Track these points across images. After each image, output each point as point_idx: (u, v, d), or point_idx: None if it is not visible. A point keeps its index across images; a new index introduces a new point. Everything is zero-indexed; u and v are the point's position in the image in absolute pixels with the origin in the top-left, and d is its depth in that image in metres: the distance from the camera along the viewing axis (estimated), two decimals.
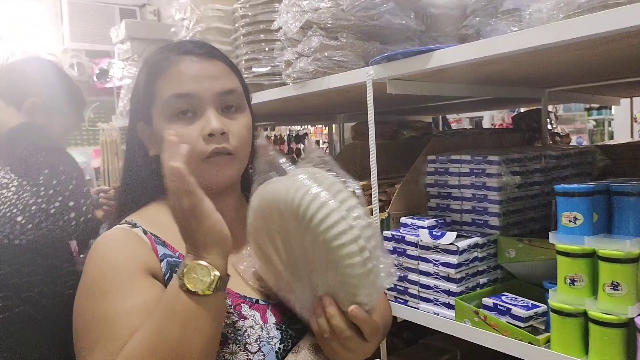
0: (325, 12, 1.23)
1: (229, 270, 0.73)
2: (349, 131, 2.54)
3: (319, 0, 1.24)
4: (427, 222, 1.18)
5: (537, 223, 1.26)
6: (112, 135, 3.05)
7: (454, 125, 3.88)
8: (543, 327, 1.01)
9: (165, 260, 0.80)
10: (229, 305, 0.79)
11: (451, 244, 1.11)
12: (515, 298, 1.06)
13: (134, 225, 0.83)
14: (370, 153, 1.20)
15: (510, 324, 1.00)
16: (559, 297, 0.92)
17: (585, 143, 5.87)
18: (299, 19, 1.27)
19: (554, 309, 0.93)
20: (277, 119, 2.60)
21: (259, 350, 0.79)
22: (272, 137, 3.19)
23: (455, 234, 1.12)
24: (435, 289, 1.15)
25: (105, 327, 0.72)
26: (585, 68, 1.25)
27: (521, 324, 0.99)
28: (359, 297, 0.74)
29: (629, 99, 2.35)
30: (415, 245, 1.19)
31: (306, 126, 3.32)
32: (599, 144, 2.00)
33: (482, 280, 1.16)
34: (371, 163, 1.20)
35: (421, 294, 1.19)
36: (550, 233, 0.95)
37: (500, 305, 1.04)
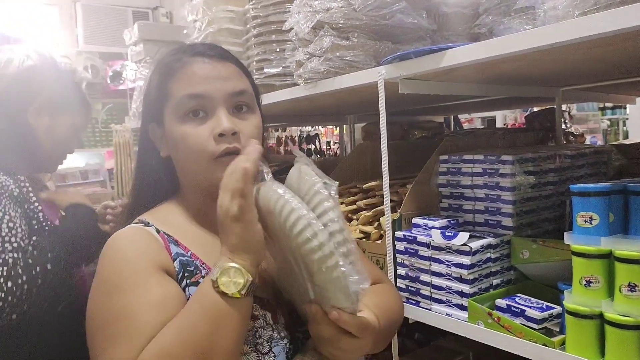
0: (336, 12, 1.23)
1: None
2: (359, 132, 2.54)
3: (330, 0, 1.24)
4: (439, 223, 1.17)
5: (550, 223, 1.24)
6: (125, 137, 3.08)
7: (466, 125, 3.86)
8: (558, 329, 1.00)
9: (178, 260, 0.81)
10: None
11: (464, 244, 1.10)
12: (529, 299, 1.04)
13: (147, 224, 0.84)
14: (382, 153, 1.20)
15: (525, 325, 0.99)
16: (575, 299, 0.91)
17: (600, 143, 5.80)
18: (310, 19, 1.27)
19: (569, 311, 0.91)
20: (288, 120, 2.60)
21: (270, 351, 0.79)
22: (283, 138, 3.20)
23: (468, 234, 1.11)
24: (448, 290, 1.14)
25: (125, 322, 0.72)
26: (600, 66, 1.23)
27: (535, 326, 0.98)
28: (338, 302, 0.74)
29: None
30: (427, 245, 1.18)
31: (317, 127, 3.32)
32: (614, 143, 1.97)
33: (495, 282, 1.14)
34: (383, 163, 1.20)
35: (433, 295, 1.18)
36: (565, 233, 0.93)
37: (514, 307, 1.02)
